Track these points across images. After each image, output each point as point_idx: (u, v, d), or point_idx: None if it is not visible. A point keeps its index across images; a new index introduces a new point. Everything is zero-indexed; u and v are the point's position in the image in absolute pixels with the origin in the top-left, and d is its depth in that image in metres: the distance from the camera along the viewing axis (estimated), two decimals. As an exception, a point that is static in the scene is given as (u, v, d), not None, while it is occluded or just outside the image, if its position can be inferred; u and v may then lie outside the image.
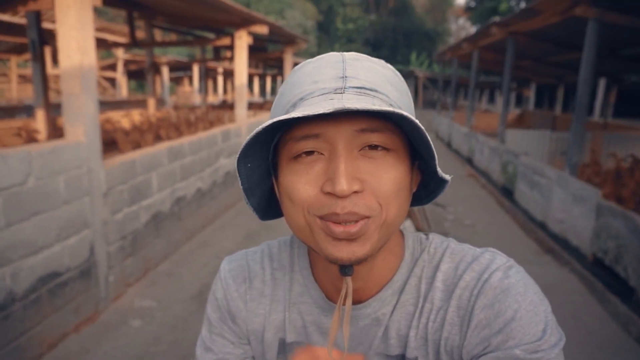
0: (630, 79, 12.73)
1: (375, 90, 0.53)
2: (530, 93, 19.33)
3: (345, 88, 0.52)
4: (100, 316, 3.20)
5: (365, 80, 0.53)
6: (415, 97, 31.83)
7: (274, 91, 29.54)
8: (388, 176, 0.52)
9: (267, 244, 0.72)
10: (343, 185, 0.48)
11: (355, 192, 0.50)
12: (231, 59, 11.15)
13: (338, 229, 0.51)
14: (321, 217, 0.52)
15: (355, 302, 0.62)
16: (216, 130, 5.71)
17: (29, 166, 2.56)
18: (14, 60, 16.63)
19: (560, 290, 3.81)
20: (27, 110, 11.92)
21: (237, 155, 0.52)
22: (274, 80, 26.57)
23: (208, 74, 21.58)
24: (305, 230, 0.54)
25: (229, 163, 6.06)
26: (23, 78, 19.54)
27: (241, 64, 6.65)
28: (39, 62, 7.34)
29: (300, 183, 0.52)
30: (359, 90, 0.52)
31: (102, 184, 3.24)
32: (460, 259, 0.60)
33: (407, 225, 4.11)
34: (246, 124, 6.82)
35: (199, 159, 5.07)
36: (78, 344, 2.86)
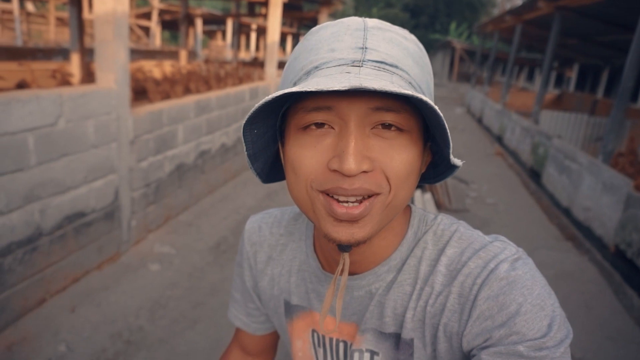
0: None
1: (396, 66, 0.50)
2: (572, 74, 18.46)
3: (363, 61, 0.49)
4: (121, 257, 3.34)
5: (386, 53, 0.50)
6: (450, 69, 30.84)
7: (306, 52, 28.97)
8: (400, 157, 0.50)
9: (281, 211, 0.77)
10: (351, 164, 0.46)
11: (364, 172, 0.48)
12: (265, 15, 10.97)
13: (340, 210, 0.49)
14: (325, 192, 0.50)
15: (352, 273, 0.63)
16: (245, 87, 5.70)
17: (60, 108, 2.62)
18: (52, 2, 16.78)
19: (576, 278, 3.76)
20: (64, 53, 12.12)
21: (244, 122, 0.50)
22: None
23: (241, 30, 21.35)
24: (307, 204, 0.53)
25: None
26: (61, 21, 19.75)
27: (274, 22, 6.54)
28: (75, 6, 7.39)
29: (307, 156, 0.50)
30: (378, 64, 0.49)
31: (130, 132, 3.30)
32: (467, 245, 0.58)
33: (427, 198, 4.09)
34: (275, 83, 6.77)
35: (225, 114, 5.10)
36: (99, 280, 3.01)
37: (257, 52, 26.22)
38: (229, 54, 20.31)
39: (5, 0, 17.66)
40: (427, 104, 0.44)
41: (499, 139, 9.88)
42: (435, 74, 35.19)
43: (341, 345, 0.66)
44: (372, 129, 0.50)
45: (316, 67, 0.50)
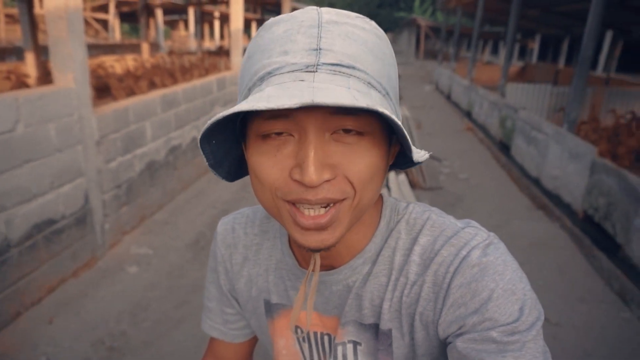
0: (638, 32, 12.37)
1: (353, 67, 0.47)
2: (535, 45, 18.84)
3: (318, 65, 0.47)
4: (97, 262, 3.27)
5: (343, 53, 0.47)
6: (416, 47, 30.98)
7: (271, 37, 28.57)
8: (362, 162, 0.49)
9: (253, 210, 0.75)
10: (312, 175, 0.45)
11: (327, 180, 0.47)
12: (227, 2, 10.72)
13: (307, 221, 0.49)
14: (290, 201, 0.50)
15: (329, 267, 0.63)
16: (212, 78, 5.58)
17: (17, 113, 2.51)
18: (0, -2, 15.94)
19: (549, 246, 3.90)
20: (17, 53, 11.57)
21: (200, 136, 0.48)
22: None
23: (204, 18, 20.82)
24: (274, 211, 0.53)
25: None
26: (11, 18, 18.80)
27: (237, 9, 6.39)
28: (25, 2, 7.03)
29: (268, 165, 0.49)
30: (333, 67, 0.47)
31: (95, 132, 3.19)
32: (439, 233, 0.58)
33: (402, 179, 4.13)
34: (242, 72, 6.66)
35: (193, 107, 4.99)
36: (77, 288, 2.93)
37: (222, 40, 25.66)
38: (193, 44, 19.82)
39: (-52, -1, 16.69)
40: (382, 114, 0.42)
41: (468, 114, 10.04)
42: (402, 52, 35.26)
43: (326, 338, 0.67)
44: (332, 134, 0.48)
45: (269, 73, 0.48)
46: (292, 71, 0.47)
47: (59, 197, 2.88)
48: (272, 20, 0.52)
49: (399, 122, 0.44)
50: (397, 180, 3.87)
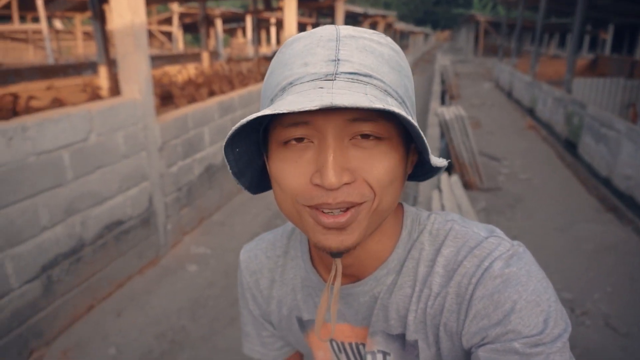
0: None
1: (370, 76, 0.50)
2: (607, 36, 17.53)
3: (336, 74, 0.49)
4: (160, 261, 3.48)
5: (360, 63, 0.50)
6: (475, 44, 29.90)
7: (327, 41, 28.76)
8: (381, 165, 0.50)
9: (273, 233, 0.77)
10: (332, 178, 0.47)
11: (346, 183, 0.49)
12: (283, 9, 10.97)
13: (327, 220, 0.50)
14: (311, 207, 0.51)
15: (354, 280, 0.64)
16: (266, 84, 5.74)
17: (90, 124, 2.74)
18: (78, 17, 17.35)
19: (619, 250, 3.63)
20: (93, 67, 12.54)
21: (224, 143, 0.51)
22: (326, 29, 25.87)
23: (261, 25, 21.42)
24: (295, 217, 0.54)
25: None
26: (88, 35, 20.41)
27: (290, 14, 6.53)
28: (99, 20, 7.62)
29: (289, 172, 0.51)
30: (351, 76, 0.49)
31: (157, 139, 3.41)
32: (463, 244, 0.58)
33: (455, 180, 4.02)
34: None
35: (249, 112, 5.17)
36: (142, 285, 3.15)
37: (277, 45, 26.24)
38: (250, 50, 20.45)
39: (34, 20, 18.38)
40: (398, 115, 0.44)
41: (530, 112, 9.55)
42: (460, 50, 34.17)
43: (361, 347, 0.68)
44: (350, 139, 0.50)
45: (290, 83, 0.50)
46: (312, 80, 0.49)
47: (126, 200, 3.11)
48: (292, 37, 0.55)
49: (415, 124, 0.46)
50: (449, 181, 3.78)
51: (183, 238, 3.85)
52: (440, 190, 3.39)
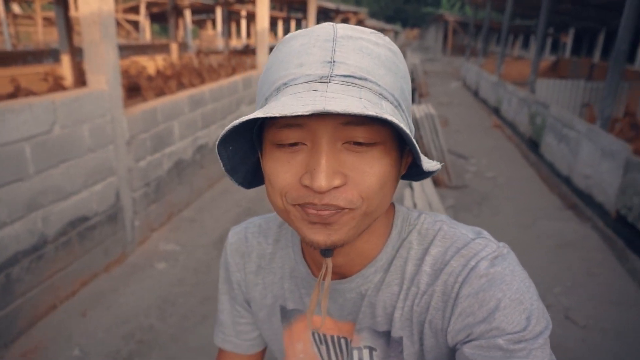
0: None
1: (365, 79, 0.49)
2: (568, 39, 18.23)
3: (331, 76, 0.49)
4: (127, 258, 3.38)
5: (356, 66, 0.49)
6: (444, 43, 30.47)
7: (298, 35, 28.67)
8: (372, 171, 0.50)
9: (265, 219, 0.77)
10: (322, 182, 0.47)
11: (336, 187, 0.49)
12: (254, 2, 10.82)
13: (312, 211, 0.50)
14: (296, 205, 0.52)
15: (341, 276, 0.65)
16: (237, 78, 5.67)
17: (54, 115, 2.63)
18: (38, 2, 16.55)
19: (579, 246, 3.80)
20: (54, 55, 12.02)
21: (217, 141, 0.50)
22: (298, 24, 25.77)
23: (231, 17, 21.08)
24: (284, 214, 0.55)
25: (251, 110, 6.06)
26: (48, 21, 19.52)
27: (262, 9, 6.46)
28: (61, 5, 7.30)
29: (281, 171, 0.52)
30: (346, 79, 0.49)
31: (125, 132, 3.31)
32: (450, 244, 0.60)
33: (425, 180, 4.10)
34: (268, 71, 6.73)
35: (220, 106, 5.08)
36: (108, 283, 3.05)
37: (248, 39, 25.93)
38: (220, 42, 20.11)
39: (-10, 4, 17.44)
40: (392, 122, 0.44)
41: (496, 111, 9.83)
42: (428, 49, 34.74)
43: (342, 341, 0.69)
44: (343, 143, 0.50)
45: (285, 84, 0.50)
46: (307, 82, 0.49)
47: (91, 195, 3.00)
48: (290, 34, 0.54)
49: (408, 131, 0.46)
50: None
51: (151, 234, 3.75)
52: (412, 188, 3.44)
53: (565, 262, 3.52)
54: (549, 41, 21.52)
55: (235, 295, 0.77)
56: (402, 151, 0.56)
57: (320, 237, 0.52)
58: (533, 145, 6.77)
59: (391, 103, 0.51)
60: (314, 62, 0.50)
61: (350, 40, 0.51)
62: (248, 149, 0.58)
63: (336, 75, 0.49)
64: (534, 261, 3.51)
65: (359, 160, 0.50)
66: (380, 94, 0.50)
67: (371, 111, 0.43)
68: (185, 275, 3.19)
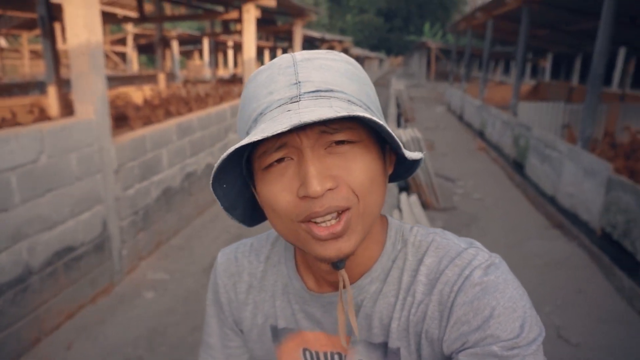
0: (651, 48, 12.28)
1: (331, 90, 0.53)
2: (547, 63, 18.82)
3: (300, 95, 0.52)
4: (115, 288, 3.32)
5: (320, 81, 0.53)
6: (427, 69, 31.21)
7: (284, 64, 29.10)
8: (358, 167, 0.53)
9: (257, 239, 0.77)
10: (316, 186, 0.50)
11: (330, 189, 0.51)
12: (241, 32, 11.04)
13: (322, 233, 0.52)
14: (303, 221, 0.53)
15: (337, 288, 0.65)
16: (225, 106, 5.72)
17: (41, 144, 2.62)
18: (25, 36, 16.66)
19: (567, 265, 3.83)
20: (40, 87, 12.01)
21: (211, 180, 0.53)
22: (284, 53, 26.21)
23: (218, 48, 21.38)
24: (292, 236, 0.56)
25: (239, 138, 6.09)
26: (35, 54, 19.60)
27: (249, 38, 6.59)
28: (49, 39, 7.36)
29: (277, 191, 0.53)
30: (314, 94, 0.53)
31: (113, 161, 3.30)
32: (444, 254, 0.61)
33: (413, 200, 4.13)
34: (255, 99, 6.80)
35: (208, 134, 5.11)
36: (94, 314, 2.98)
37: (235, 68, 26.27)
38: (207, 72, 20.33)
39: (-23, 37, 17.49)
40: (363, 118, 0.47)
41: (480, 134, 10.02)
42: (413, 75, 35.51)
43: (336, 357, 0.68)
44: (326, 148, 0.53)
45: (260, 113, 0.54)
46: (280, 105, 0.53)
47: (78, 225, 2.97)
48: (255, 72, 0.58)
49: (380, 122, 0.49)
50: (409, 201, 3.87)
51: (139, 263, 3.70)
52: (400, 209, 3.47)
53: (554, 281, 3.54)
54: (529, 66, 22.20)
55: (224, 317, 0.76)
56: (384, 150, 0.59)
57: (332, 252, 0.54)
58: (518, 166, 6.89)
59: (360, 107, 0.55)
60: (281, 88, 0.53)
61: (308, 62, 0.55)
62: (241, 185, 0.61)
63: (304, 92, 0.53)
64: (523, 280, 3.51)
65: (343, 160, 0.53)
66: (349, 101, 0.54)
67: (344, 112, 0.47)
68: (175, 304, 3.14)
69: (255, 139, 0.46)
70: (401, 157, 0.62)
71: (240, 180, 0.60)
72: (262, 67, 0.57)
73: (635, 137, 6.17)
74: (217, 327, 0.77)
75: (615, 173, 4.07)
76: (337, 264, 0.57)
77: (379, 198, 0.56)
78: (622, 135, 7.37)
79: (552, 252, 4.07)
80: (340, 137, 0.53)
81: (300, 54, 0.56)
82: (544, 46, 15.01)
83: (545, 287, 3.44)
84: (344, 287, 0.60)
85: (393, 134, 0.50)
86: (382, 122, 0.49)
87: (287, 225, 0.55)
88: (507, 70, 28.08)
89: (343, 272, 0.59)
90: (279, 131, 0.46)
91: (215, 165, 0.50)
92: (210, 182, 0.53)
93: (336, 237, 0.53)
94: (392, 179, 0.66)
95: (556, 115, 8.01)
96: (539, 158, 5.93)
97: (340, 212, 0.53)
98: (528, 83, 17.14)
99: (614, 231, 3.87)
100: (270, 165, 0.54)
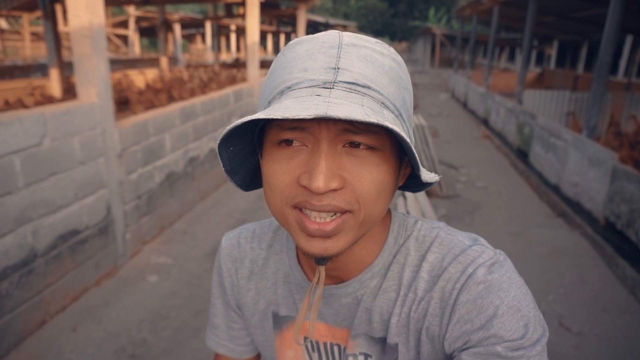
0: (659, 36, 12.11)
1: (368, 87, 0.50)
2: (552, 51, 18.62)
3: (335, 82, 0.49)
4: (119, 272, 3.34)
5: (359, 73, 0.50)
6: (431, 55, 30.92)
7: (287, 49, 28.84)
8: (371, 176, 0.50)
9: (260, 224, 0.76)
10: (320, 183, 0.47)
11: (334, 189, 0.49)
12: (244, 16, 10.89)
13: (313, 226, 0.50)
14: (295, 206, 0.51)
15: (338, 281, 0.65)
16: (228, 90, 5.68)
17: (44, 127, 2.61)
18: (25, 17, 16.50)
19: (569, 254, 3.83)
20: (42, 69, 11.94)
21: (218, 141, 0.51)
22: (287, 38, 25.98)
23: (221, 31, 21.19)
24: (282, 218, 0.54)
25: (242, 123, 6.05)
26: (36, 36, 19.44)
27: (252, 22, 6.51)
28: (50, 20, 7.29)
29: (280, 172, 0.51)
30: (349, 86, 0.49)
31: (116, 145, 3.29)
32: (448, 250, 0.60)
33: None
34: (258, 83, 6.76)
35: (211, 119, 5.08)
36: (99, 297, 3.00)
37: (238, 52, 26.06)
38: (210, 56, 20.18)
39: (-23, 19, 17.35)
40: (392, 130, 0.44)
41: (484, 122, 9.96)
42: (417, 61, 35.19)
43: (335, 348, 0.68)
44: (343, 146, 0.50)
45: (289, 88, 0.51)
46: (310, 86, 0.49)
47: (82, 208, 2.97)
48: (296, 40, 0.55)
49: (409, 140, 0.46)
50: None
51: (143, 247, 3.71)
52: (405, 197, 3.46)
53: (557, 270, 3.55)
54: (534, 53, 21.95)
55: (228, 300, 0.76)
56: (401, 161, 0.56)
57: (317, 250, 0.52)
58: (522, 154, 6.86)
59: (392, 112, 0.51)
60: (318, 68, 0.50)
61: (355, 48, 0.51)
62: (248, 150, 0.59)
63: (340, 81, 0.49)
64: (526, 269, 3.53)
65: (359, 164, 0.50)
66: (382, 103, 0.51)
67: (372, 118, 0.44)
68: (178, 288, 3.16)
69: (275, 117, 0.44)
70: (415, 173, 0.60)
71: (248, 146, 0.58)
72: (305, 37, 0.54)
73: (641, 126, 6.12)
74: (222, 309, 0.78)
75: (620, 162, 4.04)
76: (320, 259, 0.55)
77: (381, 210, 0.54)
78: (627, 125, 7.31)
79: (555, 241, 4.07)
80: (361, 139, 0.50)
81: (348, 37, 0.53)
82: (550, 33, 14.82)
83: (547, 276, 3.45)
84: (317, 282, 0.58)
85: (416, 155, 0.48)
86: (409, 139, 0.47)
87: (279, 207, 0.53)
88: (512, 57, 27.80)
89: (322, 269, 0.57)
90: (300, 117, 0.43)
91: (226, 129, 0.48)
92: (217, 143, 0.51)
93: (324, 236, 0.51)
94: (399, 188, 0.64)
95: (561, 104, 7.94)
96: (544, 146, 5.89)
97: (337, 213, 0.51)
98: (533, 71, 16.98)
99: (618, 221, 3.87)
100: (282, 143, 0.52)
